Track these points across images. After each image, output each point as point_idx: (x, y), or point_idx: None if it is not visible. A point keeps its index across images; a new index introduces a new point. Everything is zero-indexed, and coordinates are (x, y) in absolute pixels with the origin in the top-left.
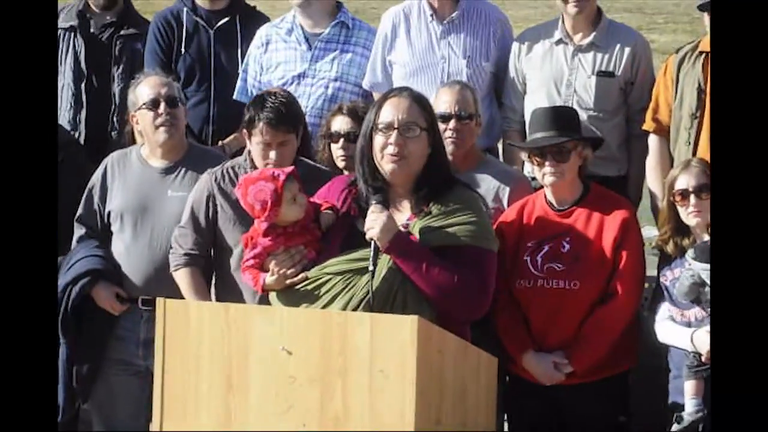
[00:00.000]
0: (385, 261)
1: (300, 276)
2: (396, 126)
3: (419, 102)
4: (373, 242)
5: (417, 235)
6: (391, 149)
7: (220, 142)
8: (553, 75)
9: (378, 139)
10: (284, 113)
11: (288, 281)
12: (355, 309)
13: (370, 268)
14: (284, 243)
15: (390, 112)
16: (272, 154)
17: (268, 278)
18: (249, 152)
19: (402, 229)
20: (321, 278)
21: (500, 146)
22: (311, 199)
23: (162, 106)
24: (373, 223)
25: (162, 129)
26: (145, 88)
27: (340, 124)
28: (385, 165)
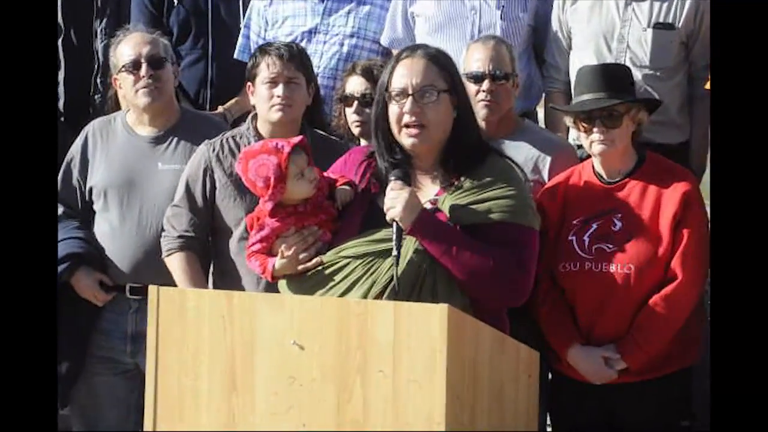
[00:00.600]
0: (410, 243)
1: (314, 260)
2: (410, 92)
3: (436, 60)
4: (395, 223)
5: (446, 213)
6: (407, 119)
7: (219, 107)
8: (603, 28)
9: (392, 108)
10: (296, 51)
11: (301, 266)
12: (377, 297)
13: (394, 252)
14: (295, 223)
15: (402, 76)
16: (279, 89)
17: (278, 262)
18: (253, 118)
19: (429, 206)
20: (338, 262)
21: (540, 110)
22: (325, 174)
23: (143, 67)
24: (394, 201)
25: (142, 92)
26: (126, 48)
27: (354, 85)
28: (404, 138)
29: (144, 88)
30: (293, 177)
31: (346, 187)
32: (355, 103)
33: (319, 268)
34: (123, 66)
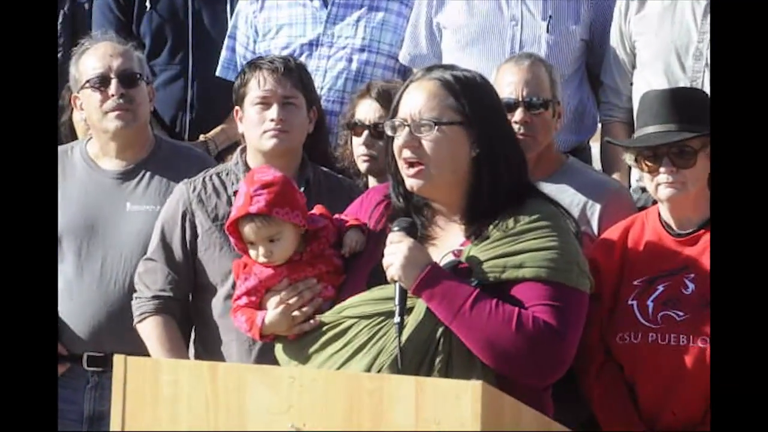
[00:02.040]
0: (422, 305)
1: (313, 320)
2: (409, 122)
3: (449, 86)
4: (397, 284)
5: (471, 268)
6: (404, 154)
7: (201, 136)
8: (676, 41)
9: (395, 143)
10: (293, 65)
11: (296, 327)
12: (385, 368)
13: (396, 318)
14: (288, 275)
15: (406, 104)
16: (273, 111)
17: (268, 315)
18: (243, 150)
19: (452, 258)
20: (340, 323)
21: (595, 145)
22: (338, 216)
23: (113, 84)
24: (392, 257)
25: (112, 116)
26: (91, 59)
27: (365, 111)
28: (405, 178)
29: (114, 110)
30: (258, 244)
31: (357, 231)
32: (365, 132)
33: (321, 330)
34: (88, 81)
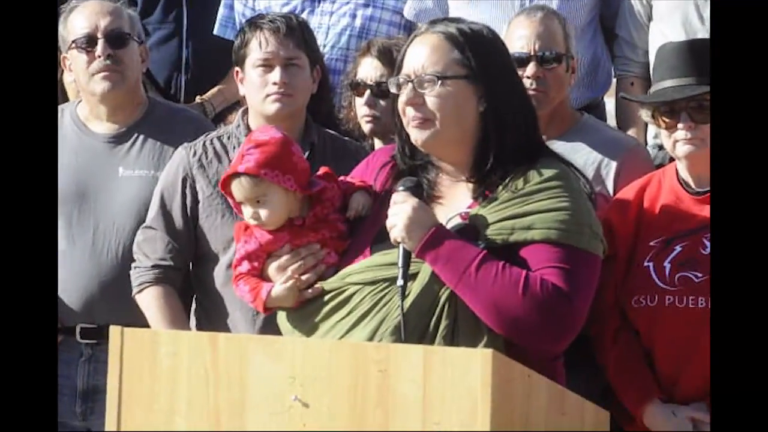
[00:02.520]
0: (425, 269)
1: (315, 287)
2: (412, 77)
3: (452, 38)
4: (400, 246)
5: (478, 230)
6: (408, 111)
7: (198, 98)
8: None
9: (400, 99)
10: (295, 24)
11: (300, 294)
12: (387, 335)
13: (399, 281)
14: (290, 240)
15: (409, 59)
16: (276, 74)
17: (276, 289)
18: (244, 113)
19: (459, 220)
20: (344, 291)
21: (610, 101)
22: (343, 179)
23: (100, 45)
24: (396, 218)
25: (99, 77)
26: (79, 18)
27: (367, 69)
28: (411, 133)
29: (100, 71)
30: (246, 204)
31: (363, 195)
32: (367, 92)
33: (324, 298)
34: (74, 42)
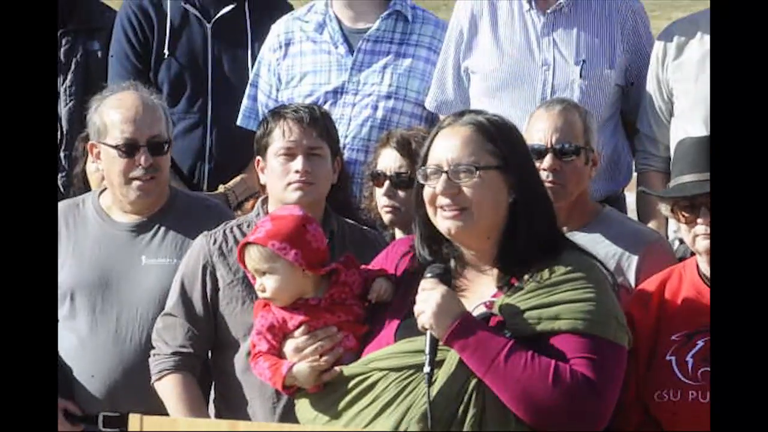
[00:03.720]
0: (454, 356)
1: (335, 369)
2: (445, 168)
3: (483, 130)
4: (428, 333)
5: (503, 320)
6: (441, 201)
7: (220, 187)
8: None
9: (427, 190)
10: (318, 115)
11: (323, 375)
12: (413, 423)
13: (426, 369)
14: (306, 320)
15: (440, 149)
16: (298, 163)
17: (299, 365)
18: (264, 201)
19: (483, 309)
20: (368, 378)
21: (631, 195)
22: (364, 267)
23: (143, 154)
24: (424, 305)
25: (136, 185)
26: (117, 116)
27: (387, 160)
28: (440, 222)
29: (138, 179)
30: (256, 275)
31: (386, 281)
32: (387, 183)
33: (346, 384)
34: (115, 146)
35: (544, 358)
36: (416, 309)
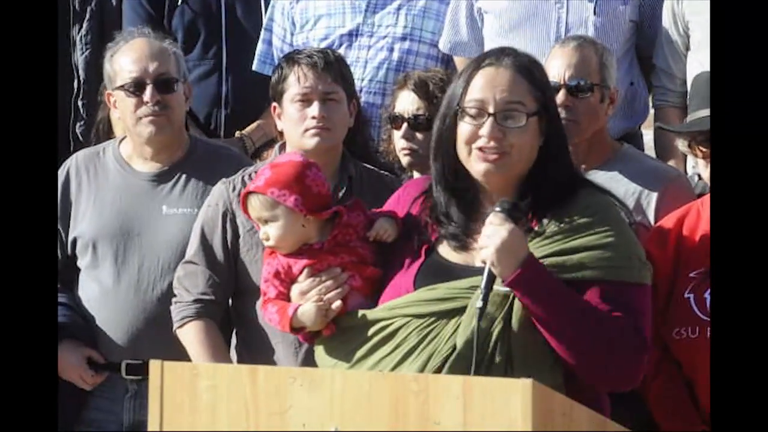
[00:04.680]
0: (474, 299)
1: (335, 305)
2: (492, 110)
3: (527, 73)
4: (487, 268)
5: None
6: (483, 142)
7: (237, 133)
8: None
9: (465, 128)
10: (333, 59)
11: (330, 310)
12: (436, 371)
13: (479, 303)
14: (310, 263)
15: (482, 88)
16: (314, 108)
17: (304, 306)
18: (282, 147)
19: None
20: (389, 325)
21: (648, 131)
22: (374, 211)
23: (149, 90)
24: (489, 240)
25: (146, 121)
26: (126, 60)
27: (404, 103)
28: (475, 162)
29: (148, 116)
30: (259, 224)
31: (388, 221)
32: (404, 125)
33: (367, 332)
34: (123, 86)
35: (600, 311)
36: (480, 242)
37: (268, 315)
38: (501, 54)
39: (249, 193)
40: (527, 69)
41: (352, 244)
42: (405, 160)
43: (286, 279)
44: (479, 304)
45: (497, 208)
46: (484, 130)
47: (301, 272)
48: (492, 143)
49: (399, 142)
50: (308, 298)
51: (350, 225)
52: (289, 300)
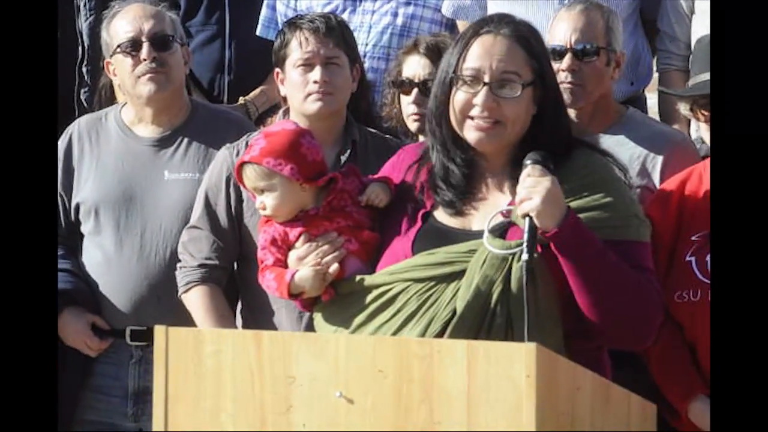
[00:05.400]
0: (476, 263)
1: (332, 268)
2: (487, 79)
3: (524, 42)
4: (528, 220)
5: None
6: (477, 111)
7: (241, 99)
8: None
9: (460, 96)
10: (335, 24)
11: (328, 274)
12: (437, 336)
13: (525, 256)
14: (306, 230)
15: (479, 56)
16: (316, 73)
17: (301, 271)
18: (285, 112)
19: (501, 218)
20: (389, 290)
21: (652, 95)
22: (369, 177)
23: (145, 48)
24: (532, 191)
25: (144, 79)
26: (122, 23)
27: (415, 67)
28: (468, 131)
29: (146, 74)
30: (255, 194)
31: (380, 185)
32: (415, 90)
33: (366, 297)
34: (119, 46)
35: (634, 271)
36: (521, 193)
37: (266, 282)
38: (500, 22)
39: (243, 163)
40: (525, 38)
41: (348, 209)
42: (414, 126)
43: (283, 246)
44: (525, 257)
45: (530, 161)
46: (479, 99)
47: (297, 238)
48: (486, 113)
49: (408, 107)
50: (306, 263)
51: (345, 190)
52: (286, 266)
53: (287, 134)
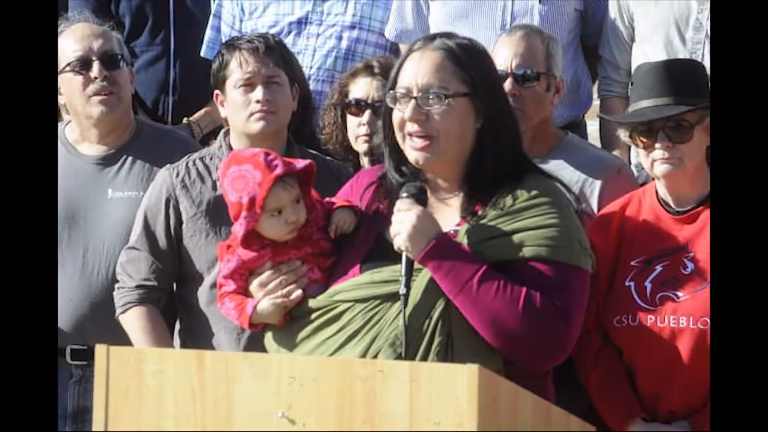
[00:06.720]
0: (421, 281)
1: (294, 295)
2: (414, 93)
3: (453, 55)
4: (404, 255)
5: (466, 246)
6: (409, 127)
7: (184, 119)
8: (676, 13)
9: (396, 114)
10: (273, 43)
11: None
12: (383, 350)
13: (402, 290)
14: (272, 257)
15: (409, 73)
16: (258, 92)
17: (263, 302)
18: (226, 134)
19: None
20: (334, 308)
21: (594, 121)
22: (328, 200)
23: (95, 66)
24: (400, 225)
25: (95, 100)
26: (69, 42)
27: (366, 89)
28: (408, 150)
29: (98, 93)
30: (266, 212)
31: (347, 212)
32: (368, 111)
33: (312, 315)
34: (68, 64)
35: (516, 285)
36: (392, 230)
37: (225, 310)
38: (432, 39)
39: (276, 182)
40: (452, 52)
41: (315, 237)
42: (363, 147)
43: (245, 272)
44: (403, 290)
45: (404, 194)
46: (407, 113)
47: (263, 265)
48: (415, 127)
49: (358, 129)
50: (267, 291)
51: (312, 219)
52: (246, 293)
53: (266, 153)
